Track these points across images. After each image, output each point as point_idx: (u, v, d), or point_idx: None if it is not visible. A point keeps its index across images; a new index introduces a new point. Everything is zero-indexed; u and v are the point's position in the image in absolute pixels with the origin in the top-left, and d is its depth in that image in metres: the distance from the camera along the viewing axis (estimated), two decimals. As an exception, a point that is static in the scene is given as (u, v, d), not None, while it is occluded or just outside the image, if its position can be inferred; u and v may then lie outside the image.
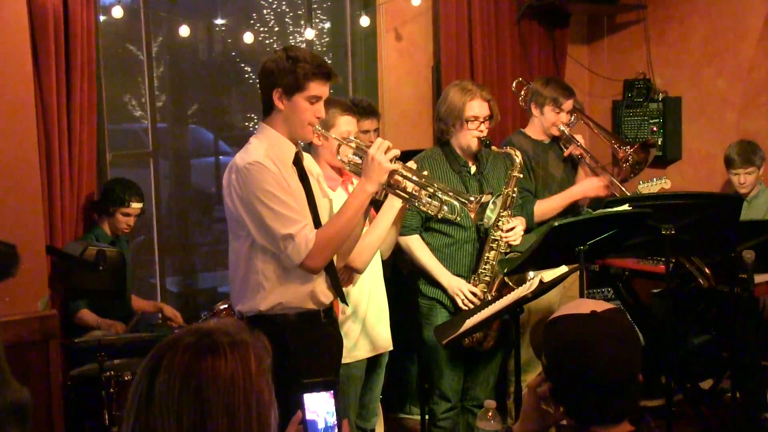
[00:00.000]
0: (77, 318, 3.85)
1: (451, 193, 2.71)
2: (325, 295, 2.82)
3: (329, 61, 5.56)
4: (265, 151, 2.67)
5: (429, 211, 2.79)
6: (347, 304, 3.13)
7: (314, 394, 1.66)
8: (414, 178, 2.74)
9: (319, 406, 1.65)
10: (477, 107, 3.51)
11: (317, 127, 2.74)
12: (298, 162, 2.77)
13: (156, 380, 1.31)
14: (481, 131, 3.53)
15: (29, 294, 3.51)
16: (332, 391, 1.66)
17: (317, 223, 2.74)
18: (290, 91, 2.66)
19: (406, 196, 2.79)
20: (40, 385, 3.40)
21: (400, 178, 2.73)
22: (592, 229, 3.15)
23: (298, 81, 2.65)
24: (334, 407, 1.66)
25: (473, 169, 3.61)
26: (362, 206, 2.68)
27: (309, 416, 1.65)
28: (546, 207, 3.94)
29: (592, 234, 3.14)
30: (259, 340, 1.41)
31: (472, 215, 2.70)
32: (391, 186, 2.73)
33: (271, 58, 2.72)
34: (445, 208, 2.77)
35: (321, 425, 1.65)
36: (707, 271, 3.65)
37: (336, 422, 1.66)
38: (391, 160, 2.63)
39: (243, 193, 2.63)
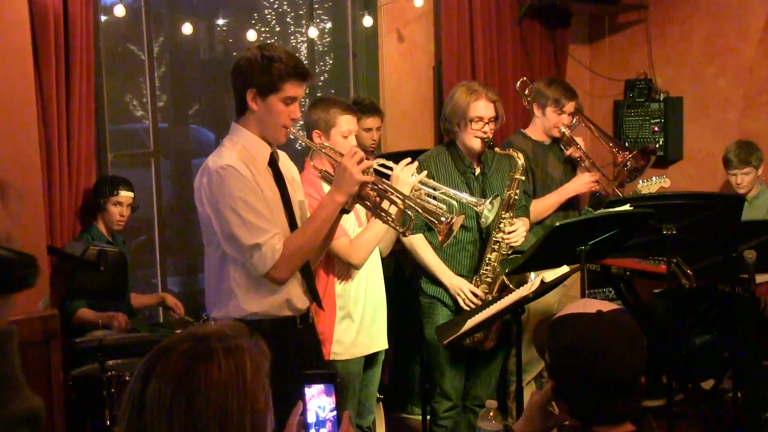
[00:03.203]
0: (76, 317, 3.85)
1: (420, 211, 2.65)
2: (302, 301, 2.74)
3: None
4: (238, 153, 2.58)
5: (397, 228, 2.74)
6: (323, 309, 3.07)
7: (314, 387, 1.66)
8: (385, 193, 2.67)
9: (319, 398, 1.65)
10: (482, 108, 3.50)
11: (291, 129, 2.65)
12: (273, 163, 2.69)
13: (149, 386, 1.29)
14: (485, 132, 3.51)
15: (30, 294, 3.50)
16: (332, 385, 1.66)
17: (293, 224, 2.68)
18: (265, 91, 2.57)
19: (377, 210, 2.73)
20: (41, 385, 3.39)
21: (370, 192, 2.65)
22: (593, 229, 3.14)
23: (273, 81, 2.55)
24: (333, 400, 1.65)
25: (477, 170, 3.61)
26: (331, 217, 2.59)
27: (308, 408, 1.65)
28: (541, 206, 3.95)
29: (593, 234, 3.14)
30: (258, 345, 1.38)
31: (441, 237, 2.66)
32: (361, 197, 2.65)
33: (245, 56, 2.61)
34: (442, 215, 2.72)
35: (320, 416, 1.65)
36: (689, 271, 3.65)
37: (335, 415, 1.66)
38: (363, 172, 2.55)
39: (213, 198, 2.55)
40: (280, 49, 2.64)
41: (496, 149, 3.59)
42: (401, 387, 4.75)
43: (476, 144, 3.52)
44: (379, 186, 2.67)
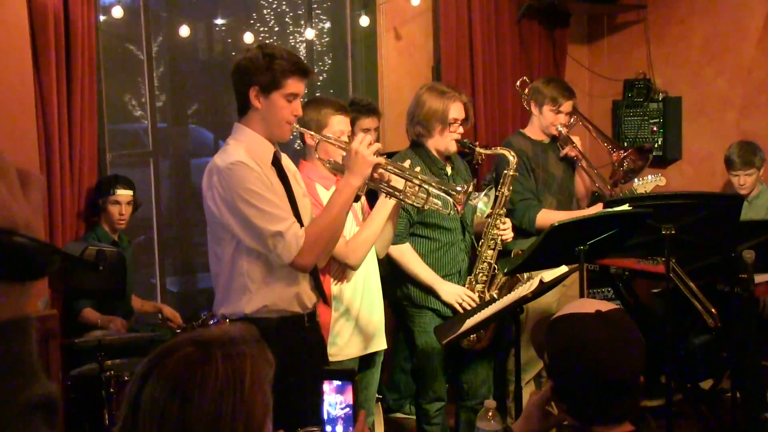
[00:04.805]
0: (82, 317, 3.85)
1: (435, 184, 2.69)
2: (309, 298, 2.79)
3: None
4: (245, 151, 2.62)
5: (415, 204, 2.78)
6: (330, 306, 3.10)
7: (330, 384, 1.66)
8: (397, 171, 2.72)
9: (330, 396, 1.66)
10: (458, 110, 3.54)
11: (295, 125, 2.70)
12: (276, 162, 2.72)
13: (145, 387, 1.29)
14: (460, 133, 3.57)
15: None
16: (349, 383, 1.66)
17: (299, 219, 2.70)
18: (267, 89, 2.61)
19: (391, 190, 2.77)
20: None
21: (383, 172, 2.71)
22: (592, 228, 3.15)
23: (276, 78, 2.59)
24: (344, 398, 1.66)
25: (449, 170, 3.64)
26: (348, 201, 2.66)
27: (325, 403, 1.65)
28: (551, 219, 3.93)
29: (592, 234, 3.14)
30: (263, 353, 1.37)
31: (459, 207, 2.70)
32: (374, 180, 2.71)
33: (246, 56, 2.65)
34: (438, 201, 2.76)
35: (331, 414, 1.65)
36: (713, 310, 3.67)
37: (347, 413, 1.66)
38: (374, 154, 2.61)
39: (226, 195, 2.57)
40: (280, 48, 2.70)
41: (478, 149, 3.66)
42: (399, 387, 4.75)
43: (453, 146, 3.57)
44: (391, 166, 2.71)
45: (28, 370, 0.81)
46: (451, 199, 2.72)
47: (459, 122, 3.55)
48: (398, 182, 2.77)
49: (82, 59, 3.90)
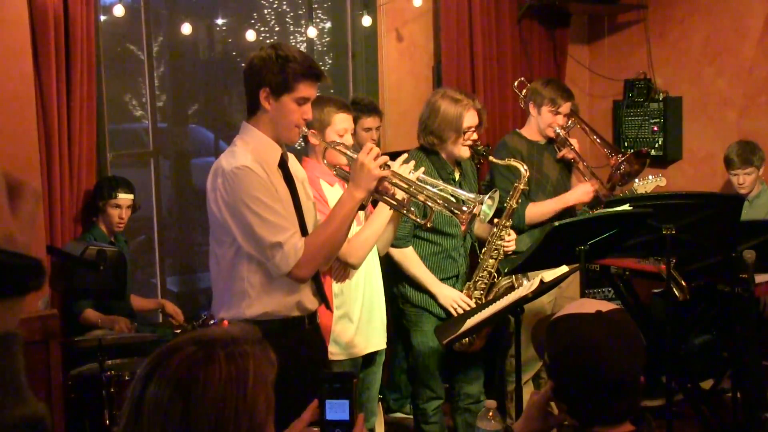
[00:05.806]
0: (82, 318, 3.85)
1: (440, 202, 2.66)
2: (311, 302, 2.75)
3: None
4: (252, 154, 2.58)
5: (418, 220, 2.76)
6: (331, 310, 3.09)
7: (332, 386, 1.66)
8: (403, 186, 2.69)
9: (331, 399, 1.66)
10: (472, 117, 3.53)
11: (303, 129, 2.66)
12: (283, 164, 2.69)
13: (148, 387, 1.29)
14: (474, 140, 3.56)
15: (29, 294, 3.50)
16: (350, 386, 1.66)
17: (303, 226, 2.68)
18: (278, 91, 2.56)
19: (395, 204, 2.74)
20: (41, 385, 3.39)
21: (389, 185, 2.68)
22: (592, 228, 3.15)
23: (288, 81, 2.54)
24: (350, 401, 1.65)
25: (457, 175, 3.64)
26: (351, 213, 2.61)
27: (326, 408, 1.65)
28: (538, 211, 3.94)
29: (592, 234, 3.14)
30: (266, 353, 1.37)
31: (463, 227, 2.68)
32: (379, 193, 2.66)
33: (259, 55, 2.59)
34: (446, 208, 2.75)
35: (333, 417, 1.65)
36: (683, 283, 3.69)
37: (348, 417, 1.66)
38: (380, 167, 2.57)
39: (230, 199, 2.54)
40: (294, 49, 2.64)
41: (491, 158, 3.67)
42: (399, 387, 4.75)
43: (465, 152, 3.56)
44: (397, 180, 2.68)
45: (13, 388, 0.79)
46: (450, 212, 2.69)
47: (473, 129, 3.54)
48: (402, 195, 2.75)
49: (82, 59, 3.89)
